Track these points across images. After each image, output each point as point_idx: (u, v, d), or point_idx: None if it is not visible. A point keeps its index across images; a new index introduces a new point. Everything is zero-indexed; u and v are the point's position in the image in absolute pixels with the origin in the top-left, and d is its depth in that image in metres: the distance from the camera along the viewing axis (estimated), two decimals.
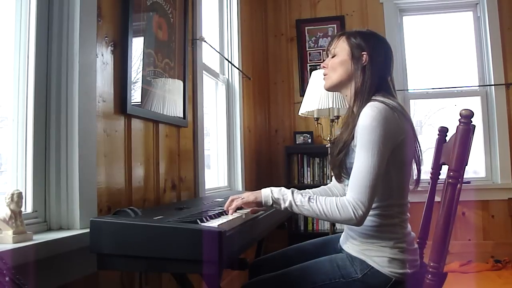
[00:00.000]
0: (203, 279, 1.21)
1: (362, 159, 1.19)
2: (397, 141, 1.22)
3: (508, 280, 2.98)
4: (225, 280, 2.58)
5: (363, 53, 1.34)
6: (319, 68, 3.20)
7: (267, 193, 1.26)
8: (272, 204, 1.25)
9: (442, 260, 1.15)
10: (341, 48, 1.38)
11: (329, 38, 3.73)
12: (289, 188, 1.28)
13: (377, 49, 1.35)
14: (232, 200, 1.30)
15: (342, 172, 1.33)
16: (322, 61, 1.50)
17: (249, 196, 1.28)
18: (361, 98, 1.31)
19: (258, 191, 1.29)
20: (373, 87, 1.31)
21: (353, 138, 1.27)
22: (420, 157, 1.35)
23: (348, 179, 1.32)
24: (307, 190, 1.49)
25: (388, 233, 1.26)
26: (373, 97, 1.29)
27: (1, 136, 1.28)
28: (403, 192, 1.30)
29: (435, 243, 1.15)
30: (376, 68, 1.33)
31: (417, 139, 1.33)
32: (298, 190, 1.28)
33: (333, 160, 1.36)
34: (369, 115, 1.20)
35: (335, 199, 1.20)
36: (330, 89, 1.45)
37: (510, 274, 3.11)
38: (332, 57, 1.41)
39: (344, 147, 1.30)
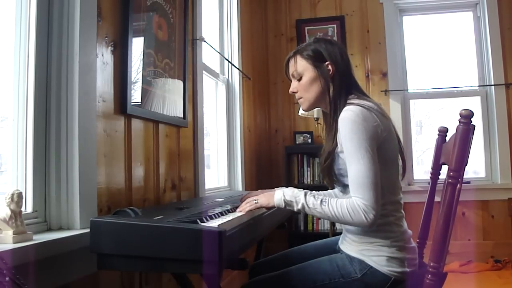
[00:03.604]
0: (203, 279, 1.21)
1: (356, 164, 1.19)
2: (380, 139, 1.24)
3: (508, 280, 2.98)
4: (225, 280, 2.58)
5: (326, 63, 1.35)
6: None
7: (279, 196, 1.28)
8: (285, 206, 1.28)
9: (442, 260, 1.15)
10: (303, 67, 1.38)
11: (329, 37, 3.73)
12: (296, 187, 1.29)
13: (333, 53, 1.36)
14: (247, 202, 1.33)
15: (332, 179, 1.35)
16: None
17: (262, 201, 1.31)
18: (339, 105, 1.32)
19: (270, 193, 1.31)
20: (345, 90, 1.34)
21: (336, 144, 1.29)
22: (403, 150, 1.38)
23: (339, 184, 1.36)
24: (320, 192, 1.50)
25: (384, 232, 1.26)
26: (349, 101, 1.31)
27: (1, 136, 1.28)
28: (394, 189, 1.30)
29: (435, 243, 1.15)
30: (342, 71, 1.36)
31: (398, 135, 1.36)
32: (311, 192, 1.28)
33: (321, 169, 1.37)
34: (348, 119, 1.21)
35: (346, 202, 1.19)
36: (309, 109, 1.45)
37: (510, 274, 3.11)
38: (298, 80, 1.40)
39: (330, 155, 1.31)
